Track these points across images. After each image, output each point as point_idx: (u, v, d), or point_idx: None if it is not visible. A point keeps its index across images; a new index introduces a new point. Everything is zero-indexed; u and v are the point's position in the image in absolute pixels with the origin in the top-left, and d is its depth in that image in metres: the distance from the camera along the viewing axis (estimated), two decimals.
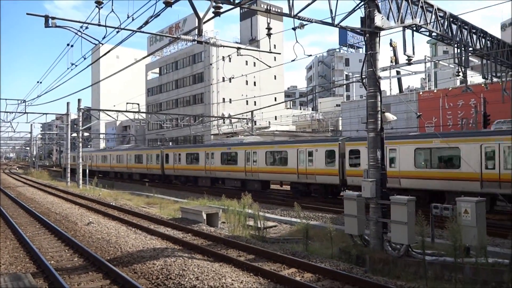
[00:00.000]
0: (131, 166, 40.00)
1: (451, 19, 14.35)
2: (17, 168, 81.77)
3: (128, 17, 9.85)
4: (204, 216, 14.45)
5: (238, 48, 12.34)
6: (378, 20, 10.34)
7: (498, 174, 14.51)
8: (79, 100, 32.63)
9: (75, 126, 43.00)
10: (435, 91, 32.99)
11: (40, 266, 8.98)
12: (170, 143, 49.41)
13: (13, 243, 11.56)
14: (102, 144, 78.21)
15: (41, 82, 24.40)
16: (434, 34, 13.77)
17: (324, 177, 20.68)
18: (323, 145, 20.99)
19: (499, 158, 14.55)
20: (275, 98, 55.46)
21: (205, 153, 29.60)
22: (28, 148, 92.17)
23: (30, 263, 9.37)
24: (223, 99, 56.20)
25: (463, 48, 15.48)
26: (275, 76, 61.30)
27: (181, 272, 8.15)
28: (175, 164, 32.89)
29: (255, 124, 39.75)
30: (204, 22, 9.45)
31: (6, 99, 32.70)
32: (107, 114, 34.88)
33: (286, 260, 9.15)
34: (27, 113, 33.98)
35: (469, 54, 16.58)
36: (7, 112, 34.97)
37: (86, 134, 66.98)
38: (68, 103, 36.38)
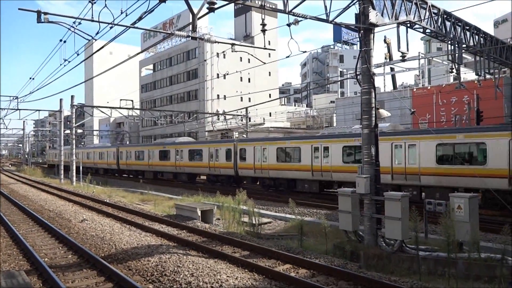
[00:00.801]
0: (97, 162, 46.30)
1: (445, 16, 14.42)
2: (10, 165, 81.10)
3: (121, 13, 9.78)
4: (199, 213, 14.44)
5: (233, 44, 12.30)
6: (373, 16, 10.35)
7: None
8: (72, 97, 32.40)
9: (68, 123, 42.75)
10: (429, 87, 33.17)
11: (33, 263, 8.92)
12: (128, 142, 58.46)
13: (6, 240, 11.47)
14: (96, 141, 77.76)
15: (33, 79, 24.19)
16: (428, 31, 13.83)
17: (225, 170, 26.67)
18: (224, 145, 27.07)
19: None
20: (270, 94, 55.47)
21: (148, 151, 35.43)
22: (20, 145, 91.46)
23: (23, 261, 9.30)
24: (218, 95, 56.09)
25: (456, 45, 15.57)
26: (269, 72, 61.25)
27: (176, 268, 8.14)
28: (127, 160, 39.77)
29: (250, 121, 39.72)
30: (198, 18, 9.40)
31: None
32: (101, 111, 34.66)
33: (281, 256, 9.19)
34: (20, 109, 33.68)
35: (463, 51, 16.68)
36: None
37: (79, 131, 66.57)
38: (61, 100, 36.11)
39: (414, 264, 8.79)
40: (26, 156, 75.86)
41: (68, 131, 39.66)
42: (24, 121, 68.89)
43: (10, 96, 32.20)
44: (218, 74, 44.91)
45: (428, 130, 18.36)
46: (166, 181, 33.41)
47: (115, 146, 45.62)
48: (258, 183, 26.15)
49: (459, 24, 15.48)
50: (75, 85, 37.05)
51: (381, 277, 7.66)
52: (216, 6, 8.73)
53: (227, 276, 7.62)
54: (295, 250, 9.80)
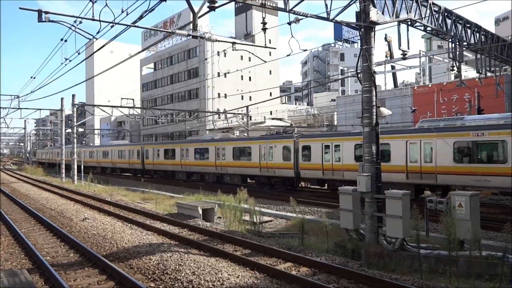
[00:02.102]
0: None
1: (446, 14, 14.40)
2: (11, 164, 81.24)
3: (122, 12, 9.78)
4: (200, 211, 14.47)
5: (233, 43, 12.29)
6: (373, 14, 10.34)
7: None
8: (73, 96, 32.44)
9: (69, 121, 42.75)
10: (430, 85, 33.13)
11: (35, 262, 8.95)
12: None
13: (8, 239, 11.51)
14: (97, 140, 77.85)
15: (34, 77, 24.20)
16: (428, 28, 13.82)
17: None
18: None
19: None
20: (270, 93, 55.43)
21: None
22: (22, 144, 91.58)
23: (25, 259, 9.34)
24: (218, 94, 56.08)
25: (457, 43, 15.55)
26: (270, 71, 61.18)
27: (177, 267, 8.16)
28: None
29: (250, 119, 39.71)
30: (199, 17, 9.40)
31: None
32: (102, 110, 34.67)
33: (282, 255, 9.20)
34: (21, 108, 33.74)
35: (464, 48, 16.66)
36: (0, 107, 34.70)
37: (80, 130, 66.64)
38: (62, 99, 36.17)
39: (415, 262, 8.80)
40: (28, 155, 75.94)
41: (69, 130, 39.71)
42: (25, 120, 68.91)
43: (11, 95, 32.23)
44: (218, 73, 44.89)
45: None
46: (167, 180, 33.42)
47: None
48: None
49: (460, 22, 15.46)
50: (76, 84, 37.50)
51: (382, 275, 7.67)
52: (216, 4, 8.72)
53: (229, 275, 7.64)
54: (296, 249, 9.81)
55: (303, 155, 21.33)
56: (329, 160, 19.96)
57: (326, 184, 22.04)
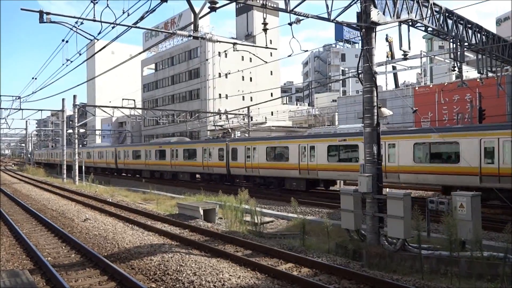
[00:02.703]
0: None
1: (447, 14, 14.40)
2: (13, 165, 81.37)
3: (123, 13, 9.80)
4: (201, 212, 14.47)
5: (234, 44, 12.29)
6: (374, 15, 10.34)
7: None
8: (74, 96, 32.50)
9: (70, 122, 42.82)
10: (431, 86, 33.10)
11: (37, 262, 8.97)
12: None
13: (9, 240, 11.53)
14: (98, 141, 77.94)
15: (36, 78, 24.25)
16: (430, 29, 13.82)
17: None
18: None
19: None
20: (271, 93, 55.47)
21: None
22: (23, 145, 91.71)
23: (27, 260, 9.35)
24: (219, 94, 56.11)
25: (458, 43, 15.54)
26: (271, 71, 61.20)
27: (178, 267, 8.17)
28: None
29: (252, 120, 39.72)
30: (200, 17, 9.41)
31: (0, 96, 32.49)
32: (103, 110, 34.71)
33: (283, 255, 9.20)
34: (22, 109, 33.77)
35: (465, 49, 16.65)
36: (1, 108, 34.74)
37: (82, 130, 66.71)
38: (63, 99, 36.24)
39: (416, 263, 8.79)
40: (29, 155, 76.08)
41: (70, 131, 39.74)
42: (26, 121, 69.06)
43: (12, 96, 32.36)
44: (219, 73, 44.91)
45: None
46: (168, 180, 33.45)
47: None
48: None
49: (461, 22, 15.45)
50: (78, 85, 37.64)
51: (383, 276, 7.67)
52: (217, 5, 8.74)
53: (230, 275, 7.64)
54: (298, 249, 9.81)
55: (232, 156, 25.25)
56: (250, 160, 24.19)
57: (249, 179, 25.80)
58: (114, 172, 43.72)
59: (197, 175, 31.66)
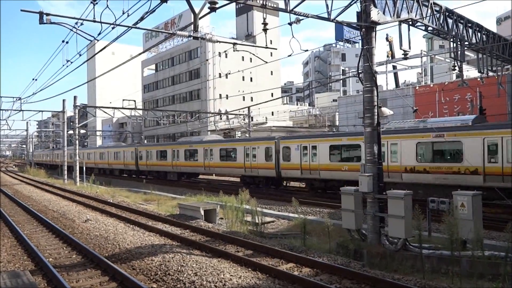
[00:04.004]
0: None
1: (447, 14, 14.38)
2: (14, 166, 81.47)
3: (123, 13, 9.80)
4: (202, 212, 14.46)
5: (234, 44, 12.30)
6: (374, 14, 10.34)
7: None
8: (75, 97, 32.51)
9: (71, 123, 42.86)
10: (432, 85, 33.07)
11: (38, 263, 8.97)
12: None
13: (10, 241, 11.54)
14: (99, 141, 77.99)
15: (36, 79, 24.28)
16: (430, 28, 13.80)
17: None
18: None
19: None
20: (272, 93, 55.47)
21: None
22: (24, 146, 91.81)
23: (28, 261, 9.36)
24: (220, 95, 56.13)
25: (459, 42, 15.52)
26: (271, 71, 61.22)
27: (179, 268, 8.17)
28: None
29: (252, 120, 39.74)
30: (200, 18, 9.41)
31: (1, 97, 32.53)
32: (103, 111, 34.75)
33: (284, 255, 9.19)
34: (23, 110, 33.78)
35: (465, 48, 16.63)
36: (2, 109, 34.74)
37: (82, 131, 66.74)
38: (64, 100, 36.21)
39: (417, 262, 8.78)
40: (30, 156, 76.18)
41: (71, 132, 39.79)
42: (27, 122, 69.17)
43: (13, 97, 32.33)
44: (220, 74, 44.91)
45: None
46: (168, 181, 33.49)
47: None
48: None
49: (461, 21, 15.44)
50: (78, 86, 37.66)
51: (384, 275, 7.66)
52: (217, 5, 8.74)
53: (231, 275, 7.64)
54: (298, 249, 9.80)
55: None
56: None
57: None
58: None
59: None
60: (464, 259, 8.36)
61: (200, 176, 35.72)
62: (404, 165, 17.11)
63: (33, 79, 25.52)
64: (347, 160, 19.66)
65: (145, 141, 58.68)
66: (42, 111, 38.60)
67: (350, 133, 23.23)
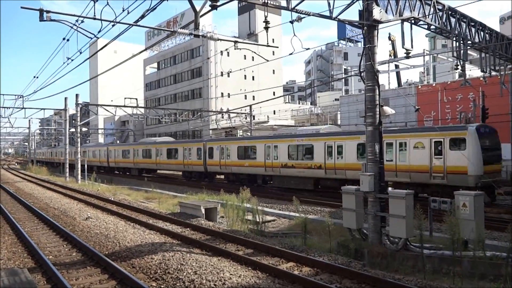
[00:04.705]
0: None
1: (450, 12, 14.29)
2: (16, 164, 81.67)
3: (123, 10, 9.76)
4: (203, 211, 14.45)
5: (236, 42, 12.26)
6: (377, 13, 10.28)
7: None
8: (77, 95, 32.51)
9: (73, 121, 42.90)
10: (434, 84, 32.93)
11: (38, 261, 8.96)
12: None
13: (11, 238, 11.54)
14: (101, 140, 78.10)
15: (37, 77, 24.29)
16: (432, 27, 13.72)
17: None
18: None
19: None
20: (274, 92, 55.37)
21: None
22: (26, 144, 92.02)
23: (28, 258, 9.35)
24: (222, 93, 56.07)
25: (461, 41, 15.43)
26: (273, 70, 61.13)
27: (179, 266, 8.14)
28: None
29: (254, 119, 39.69)
30: (201, 16, 9.37)
31: (3, 94, 32.48)
32: (105, 109, 34.77)
33: (285, 254, 9.16)
34: (25, 108, 33.83)
35: (468, 47, 16.53)
36: (4, 107, 34.77)
37: (84, 129, 66.84)
38: (66, 98, 36.25)
39: (418, 263, 8.74)
40: (33, 154, 76.34)
41: (73, 129, 39.83)
42: (29, 120, 69.42)
43: (15, 95, 32.33)
44: (222, 72, 44.89)
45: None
46: (170, 179, 33.52)
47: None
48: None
49: (464, 20, 15.34)
50: (80, 83, 37.68)
51: (385, 275, 7.62)
52: (218, 3, 8.70)
53: (231, 274, 7.61)
54: (299, 248, 9.77)
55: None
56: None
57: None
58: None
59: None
60: (465, 259, 8.31)
61: (158, 171, 40.50)
62: (281, 161, 22.95)
63: (34, 77, 25.52)
64: (248, 158, 25.55)
65: (124, 141, 59.73)
66: (44, 109, 38.69)
67: (249, 137, 30.37)
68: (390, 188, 10.65)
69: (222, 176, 30.62)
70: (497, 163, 16.72)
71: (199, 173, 30.62)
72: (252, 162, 25.11)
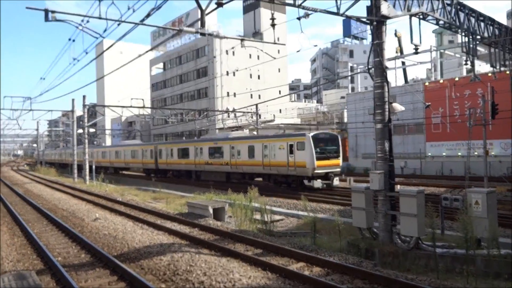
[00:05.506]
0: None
1: (459, 7, 14.06)
2: (25, 165, 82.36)
3: (128, 9, 9.69)
4: (211, 211, 14.39)
5: (242, 40, 12.17)
6: (385, 8, 10.13)
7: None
8: (84, 97, 32.63)
9: (81, 122, 43.11)
10: (441, 81, 32.56)
11: (47, 262, 8.95)
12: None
13: (20, 240, 11.57)
14: (108, 140, 78.49)
15: (44, 78, 24.39)
16: (441, 22, 13.51)
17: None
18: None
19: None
20: (280, 91, 55.17)
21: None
22: (35, 145, 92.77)
23: (37, 260, 9.35)
24: (227, 93, 55.99)
25: (470, 36, 15.19)
26: (279, 69, 60.92)
27: (188, 267, 8.08)
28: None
29: (260, 118, 39.58)
30: (207, 14, 9.28)
31: (11, 97, 32.66)
32: (112, 110, 34.89)
33: (294, 254, 9.06)
34: (33, 110, 33.99)
35: (477, 42, 16.27)
36: (12, 109, 34.93)
37: (92, 130, 67.16)
38: (73, 100, 36.40)
39: (431, 262, 8.59)
40: (41, 156, 76.96)
41: (81, 130, 40.00)
42: (37, 122, 69.83)
43: (23, 97, 32.51)
44: (227, 72, 44.76)
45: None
46: (177, 179, 33.52)
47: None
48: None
49: (473, 15, 15.10)
50: (87, 85, 37.70)
51: (397, 275, 7.49)
52: (224, 1, 8.61)
53: (240, 275, 7.52)
54: (309, 248, 9.66)
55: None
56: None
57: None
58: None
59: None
60: (479, 258, 8.15)
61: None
62: (205, 160, 29.07)
63: (41, 78, 25.63)
64: (185, 158, 31.76)
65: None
66: (51, 110, 38.89)
67: (185, 141, 40.42)
68: (400, 187, 10.51)
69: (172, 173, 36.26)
70: (334, 159, 21.86)
71: (153, 170, 37.51)
72: (187, 161, 31.63)
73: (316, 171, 20.76)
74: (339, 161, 22.31)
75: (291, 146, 21.78)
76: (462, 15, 14.38)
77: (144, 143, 44.18)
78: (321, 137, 22.01)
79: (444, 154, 30.87)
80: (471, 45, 15.47)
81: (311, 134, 21.51)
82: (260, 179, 25.56)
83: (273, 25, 9.84)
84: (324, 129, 43.84)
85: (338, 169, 22.32)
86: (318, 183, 20.88)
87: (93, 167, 34.15)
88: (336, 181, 21.87)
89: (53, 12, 9.01)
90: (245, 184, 21.46)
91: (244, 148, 25.28)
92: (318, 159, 20.78)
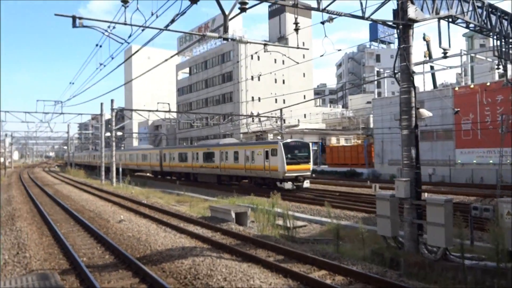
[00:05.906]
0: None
1: (490, 10, 13.59)
2: (56, 167, 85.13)
3: (152, 15, 9.86)
4: (233, 215, 14.38)
5: (265, 44, 12.16)
6: (412, 12, 9.89)
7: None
8: (112, 101, 33.47)
9: (109, 125, 44.24)
10: (472, 86, 31.53)
11: (72, 263, 9.15)
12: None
13: (48, 239, 11.90)
14: (135, 143, 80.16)
15: (73, 83, 25.13)
16: (471, 25, 13.09)
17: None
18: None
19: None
20: (304, 96, 54.94)
21: None
22: (66, 147, 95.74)
23: (63, 260, 9.58)
24: (252, 97, 56.18)
25: (503, 40, 14.65)
26: (304, 73, 60.70)
27: (209, 272, 8.07)
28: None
29: (284, 122, 39.47)
30: (230, 19, 9.32)
31: (44, 101, 34.09)
32: (139, 114, 35.58)
33: (316, 262, 8.90)
34: (63, 113, 35.16)
35: (510, 46, 15.68)
36: (44, 112, 36.21)
37: (119, 133, 68.75)
38: (101, 104, 37.42)
39: (459, 274, 8.25)
40: (71, 158, 79.38)
41: (109, 134, 41.01)
42: (68, 125, 72.22)
43: (54, 101, 33.67)
44: (252, 76, 44.96)
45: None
46: (202, 183, 33.82)
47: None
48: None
49: (506, 17, 14.56)
50: (115, 88, 38.43)
51: (424, 287, 7.23)
52: (247, 6, 8.62)
53: (261, 282, 7.45)
54: (331, 256, 9.48)
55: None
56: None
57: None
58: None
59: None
60: (511, 271, 7.76)
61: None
62: (200, 164, 32.71)
63: (70, 83, 26.51)
64: (184, 161, 35.71)
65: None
66: (81, 114, 40.73)
67: (184, 146, 44.65)
68: (427, 195, 10.20)
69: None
70: (305, 164, 24.66)
71: (159, 172, 41.97)
72: (186, 164, 35.54)
73: (286, 174, 23.81)
74: (309, 166, 25.24)
75: (266, 152, 24.85)
76: (494, 17, 13.90)
77: (153, 148, 48.87)
78: (292, 144, 24.92)
79: (474, 161, 29.80)
80: (504, 49, 14.93)
81: (282, 142, 24.63)
82: (246, 180, 29.08)
83: (296, 29, 9.78)
84: (350, 134, 45.01)
85: (308, 173, 25.25)
86: (288, 185, 23.96)
87: (120, 169, 34.89)
88: (306, 184, 24.82)
89: (80, 18, 9.27)
90: (231, 185, 28.67)
91: (231, 153, 28.75)
92: (288, 164, 23.70)
